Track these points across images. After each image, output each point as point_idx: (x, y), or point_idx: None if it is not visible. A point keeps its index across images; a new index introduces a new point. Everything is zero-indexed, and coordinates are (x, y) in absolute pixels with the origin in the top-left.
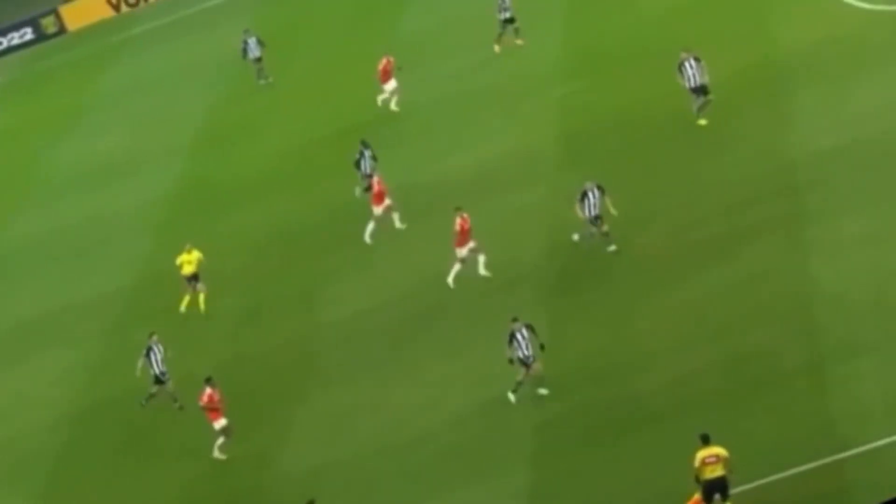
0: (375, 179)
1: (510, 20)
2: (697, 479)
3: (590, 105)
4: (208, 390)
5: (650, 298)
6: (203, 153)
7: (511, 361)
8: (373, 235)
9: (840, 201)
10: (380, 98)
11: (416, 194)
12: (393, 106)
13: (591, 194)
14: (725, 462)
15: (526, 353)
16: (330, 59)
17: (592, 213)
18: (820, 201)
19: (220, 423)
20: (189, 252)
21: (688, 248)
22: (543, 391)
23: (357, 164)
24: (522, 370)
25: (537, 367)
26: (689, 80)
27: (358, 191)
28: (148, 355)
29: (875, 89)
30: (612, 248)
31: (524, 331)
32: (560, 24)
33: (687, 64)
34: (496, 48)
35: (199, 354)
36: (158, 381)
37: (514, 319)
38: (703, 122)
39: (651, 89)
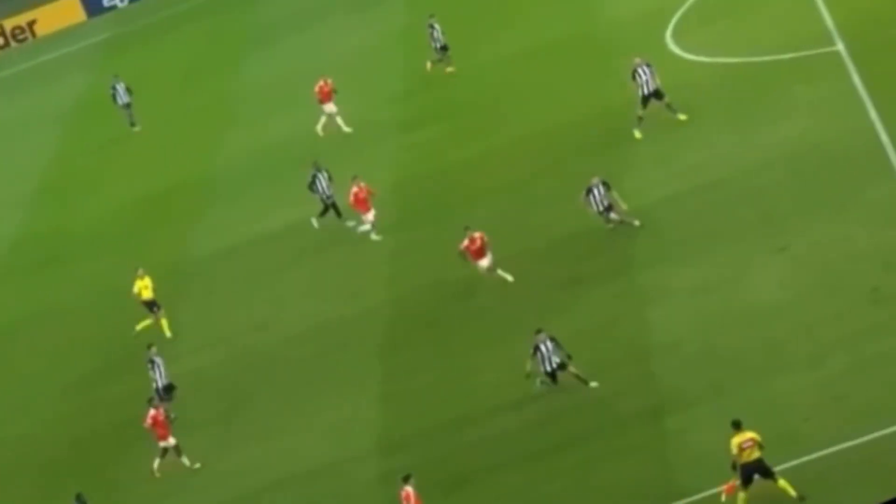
0: (356, 188)
1: (444, 48)
2: (734, 466)
3: (426, 156)
4: (151, 412)
5: (492, 349)
6: (43, 204)
7: (528, 376)
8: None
9: (672, 250)
10: (318, 126)
11: (246, 251)
12: (344, 127)
13: (596, 190)
14: (761, 445)
15: (548, 366)
16: (169, 113)
17: (601, 207)
18: (653, 250)
19: (167, 443)
20: (142, 278)
21: (526, 299)
22: (594, 384)
23: (310, 187)
24: (546, 381)
25: (572, 370)
26: (642, 87)
27: (315, 221)
28: (151, 368)
29: (704, 140)
30: (637, 222)
31: (548, 342)
32: (401, 71)
33: (640, 70)
34: (428, 65)
35: None
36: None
37: (538, 331)
38: (682, 116)
39: (490, 138)
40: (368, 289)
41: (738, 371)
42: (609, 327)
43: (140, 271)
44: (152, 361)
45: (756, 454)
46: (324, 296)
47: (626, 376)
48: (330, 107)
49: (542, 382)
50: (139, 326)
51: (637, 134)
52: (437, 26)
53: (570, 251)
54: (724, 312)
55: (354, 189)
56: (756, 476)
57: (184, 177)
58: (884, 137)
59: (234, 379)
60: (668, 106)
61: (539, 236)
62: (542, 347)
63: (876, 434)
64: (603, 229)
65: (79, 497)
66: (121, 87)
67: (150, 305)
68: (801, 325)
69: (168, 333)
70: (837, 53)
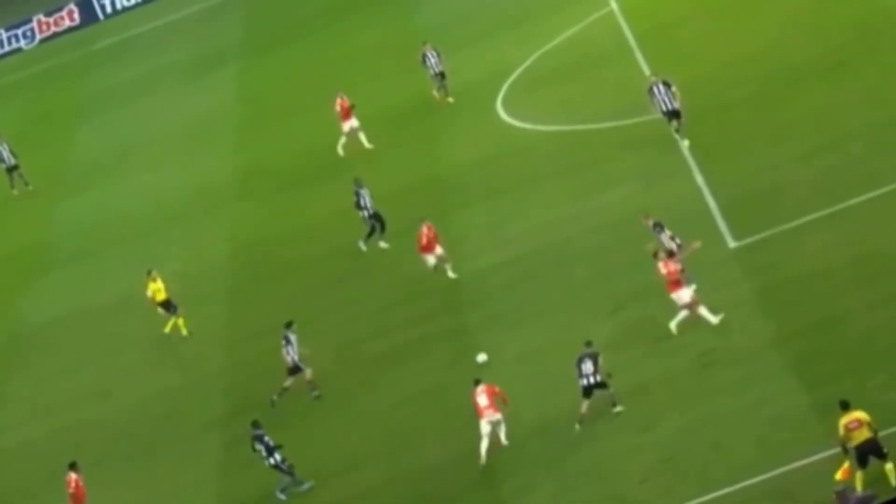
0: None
1: (441, 74)
2: (845, 448)
3: (256, 226)
4: (73, 475)
5: (327, 420)
6: None
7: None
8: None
9: (503, 317)
10: (339, 145)
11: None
12: (366, 143)
13: (656, 88)
14: (869, 424)
15: (588, 381)
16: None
17: (668, 108)
18: (483, 318)
19: None
20: (154, 280)
21: (359, 365)
22: (619, 409)
23: (357, 205)
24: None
25: (609, 391)
26: (659, 104)
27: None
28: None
29: (534, 205)
30: (686, 143)
31: (588, 360)
32: (231, 142)
33: (655, 89)
34: (436, 94)
35: None
36: (294, 371)
37: (587, 344)
38: (686, 142)
39: (314, 211)
40: (208, 356)
41: (570, 436)
42: (439, 394)
43: (152, 273)
44: (286, 338)
45: (866, 434)
46: (162, 363)
47: (459, 442)
48: (352, 122)
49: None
50: (166, 329)
51: (686, 142)
52: (431, 54)
53: (394, 319)
54: (556, 377)
55: (424, 230)
56: (871, 457)
57: (17, 244)
58: (710, 202)
59: (70, 448)
60: (682, 126)
61: (361, 306)
62: (582, 366)
63: (709, 496)
64: (429, 298)
65: (255, 424)
66: (4, 149)
67: (167, 306)
68: (632, 388)
69: (184, 332)
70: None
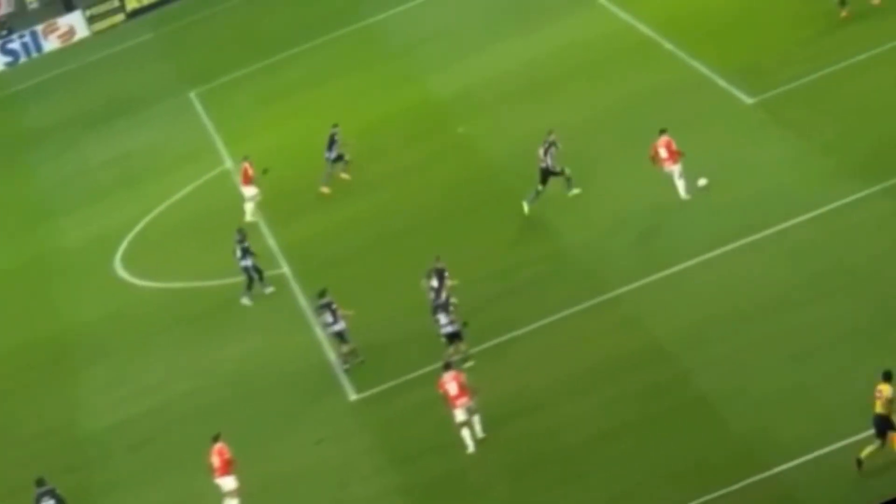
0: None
1: (339, 157)
2: None
3: None
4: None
5: None
6: None
7: None
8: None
9: (124, 478)
10: (246, 207)
11: None
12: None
13: None
14: (886, 401)
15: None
16: None
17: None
18: (107, 479)
19: None
20: None
21: None
22: None
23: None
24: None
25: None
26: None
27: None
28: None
29: (154, 363)
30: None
31: None
32: None
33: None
34: (324, 190)
35: None
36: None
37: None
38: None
39: None
40: None
41: None
42: None
43: None
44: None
45: (877, 409)
46: None
47: None
48: (252, 189)
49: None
50: None
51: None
52: (337, 137)
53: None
54: None
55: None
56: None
57: None
58: (329, 355)
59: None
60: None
61: None
62: None
63: None
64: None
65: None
66: None
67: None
68: None
69: None
70: (283, 276)
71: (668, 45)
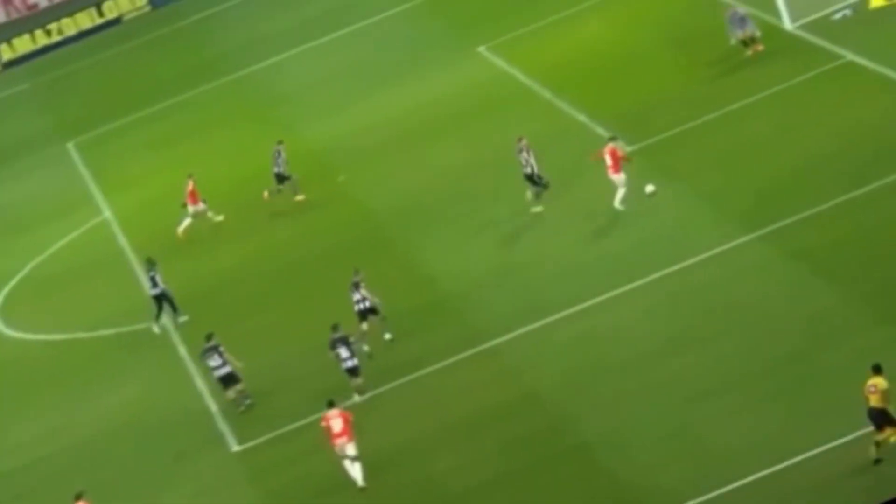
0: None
1: (286, 177)
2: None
3: None
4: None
5: None
6: None
7: None
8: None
9: None
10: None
11: None
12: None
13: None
14: (882, 394)
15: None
16: None
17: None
18: None
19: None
20: None
21: None
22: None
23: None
24: None
25: None
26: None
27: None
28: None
29: (33, 416)
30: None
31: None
32: None
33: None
34: (265, 194)
35: None
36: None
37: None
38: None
39: None
40: None
41: None
42: None
43: None
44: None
45: (873, 402)
46: None
47: None
48: (200, 206)
49: None
50: None
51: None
52: (282, 153)
53: None
54: None
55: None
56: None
57: None
58: (211, 405)
59: None
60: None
61: None
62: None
63: None
64: None
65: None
66: None
67: None
68: None
69: None
70: (163, 324)
71: (547, 94)
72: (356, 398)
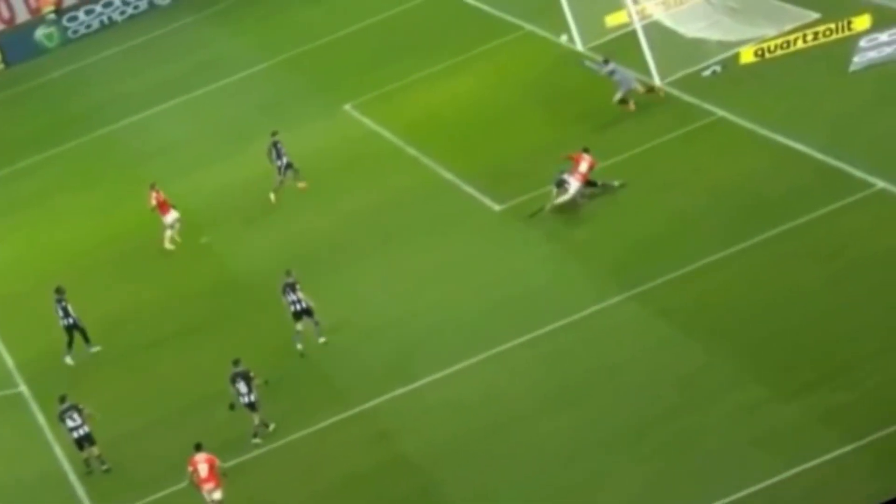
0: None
1: (289, 165)
2: None
3: None
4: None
5: None
6: None
7: None
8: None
9: None
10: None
11: None
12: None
13: None
14: None
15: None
16: None
17: None
18: None
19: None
20: None
21: None
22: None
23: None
24: None
25: None
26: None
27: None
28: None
29: None
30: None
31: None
32: None
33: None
34: (272, 197)
35: None
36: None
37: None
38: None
39: None
40: None
41: None
42: None
43: None
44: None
45: None
46: None
47: None
48: (172, 215)
49: None
50: None
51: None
52: (280, 145)
53: None
54: None
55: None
56: None
57: None
58: (71, 476)
59: None
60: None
61: None
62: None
63: None
64: None
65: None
66: None
67: None
68: None
69: None
70: (20, 394)
71: (412, 151)
72: (256, 440)
